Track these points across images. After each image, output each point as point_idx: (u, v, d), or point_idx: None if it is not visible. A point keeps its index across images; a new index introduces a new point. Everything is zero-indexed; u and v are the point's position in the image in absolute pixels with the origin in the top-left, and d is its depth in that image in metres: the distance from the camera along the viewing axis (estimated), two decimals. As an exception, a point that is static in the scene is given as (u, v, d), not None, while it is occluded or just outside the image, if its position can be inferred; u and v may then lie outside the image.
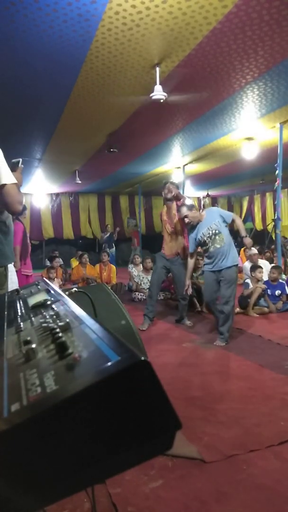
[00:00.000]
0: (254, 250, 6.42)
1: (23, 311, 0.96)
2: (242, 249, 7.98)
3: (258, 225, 14.04)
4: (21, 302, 1.07)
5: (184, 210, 3.98)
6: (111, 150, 6.42)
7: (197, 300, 5.58)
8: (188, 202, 4.19)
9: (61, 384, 0.46)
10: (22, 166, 2.17)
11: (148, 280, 6.39)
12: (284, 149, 6.15)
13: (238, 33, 3.24)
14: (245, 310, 5.27)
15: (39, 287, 1.25)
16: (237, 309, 5.32)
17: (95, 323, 0.64)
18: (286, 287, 5.51)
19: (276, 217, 6.29)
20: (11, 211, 1.93)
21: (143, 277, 6.53)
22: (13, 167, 2.09)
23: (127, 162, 8.29)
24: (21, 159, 2.16)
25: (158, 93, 3.87)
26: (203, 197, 14.48)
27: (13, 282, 4.43)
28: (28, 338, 0.65)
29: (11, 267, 4.59)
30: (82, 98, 4.60)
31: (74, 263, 7.78)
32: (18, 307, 1.01)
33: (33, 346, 0.60)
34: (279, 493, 1.61)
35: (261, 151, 7.14)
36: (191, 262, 4.20)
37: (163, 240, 4.80)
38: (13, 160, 2.16)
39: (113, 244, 11.56)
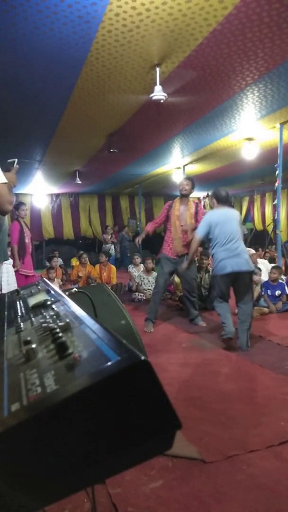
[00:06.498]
0: (252, 251, 6.42)
1: (23, 311, 0.96)
2: None
3: (258, 226, 14.06)
4: (21, 302, 1.07)
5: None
6: (112, 151, 6.41)
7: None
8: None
9: (61, 384, 0.46)
10: (17, 166, 2.14)
11: (149, 281, 6.38)
12: (284, 150, 6.15)
13: (238, 35, 3.24)
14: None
15: (39, 287, 1.25)
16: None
17: (95, 323, 0.64)
18: (286, 287, 5.50)
19: (276, 217, 6.29)
20: (1, 211, 1.89)
21: (143, 278, 6.52)
22: (8, 167, 2.08)
23: (127, 163, 8.29)
24: (16, 160, 2.14)
25: (159, 93, 3.87)
26: (203, 198, 14.48)
27: (9, 283, 4.39)
28: (28, 338, 0.65)
29: (8, 268, 4.56)
30: (83, 99, 4.60)
31: (75, 262, 7.79)
32: (18, 307, 1.01)
33: (33, 346, 0.60)
34: (279, 493, 1.61)
35: (261, 151, 7.15)
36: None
37: (167, 238, 4.50)
38: (9, 160, 2.14)
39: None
